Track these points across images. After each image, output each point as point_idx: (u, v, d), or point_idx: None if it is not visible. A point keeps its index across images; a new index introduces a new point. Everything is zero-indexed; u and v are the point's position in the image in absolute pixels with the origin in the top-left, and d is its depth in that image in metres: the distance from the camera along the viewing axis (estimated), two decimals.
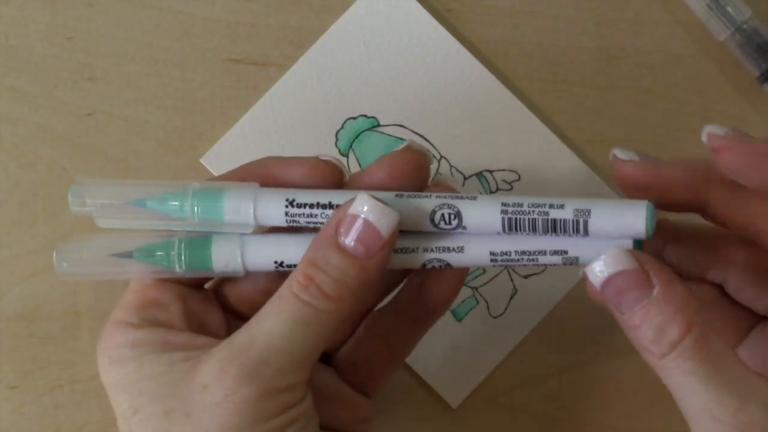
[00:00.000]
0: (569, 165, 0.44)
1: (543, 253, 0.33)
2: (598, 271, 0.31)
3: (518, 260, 0.33)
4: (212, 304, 0.35)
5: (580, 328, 0.44)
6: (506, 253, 0.33)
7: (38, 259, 0.44)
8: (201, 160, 0.44)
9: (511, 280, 0.44)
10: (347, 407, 0.37)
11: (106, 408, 0.43)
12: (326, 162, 0.34)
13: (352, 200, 0.31)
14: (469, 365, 0.44)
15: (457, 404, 0.44)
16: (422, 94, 0.44)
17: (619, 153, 0.33)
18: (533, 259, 0.33)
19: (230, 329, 0.35)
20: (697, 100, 0.45)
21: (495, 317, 0.44)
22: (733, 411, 0.29)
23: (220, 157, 0.44)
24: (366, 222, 0.31)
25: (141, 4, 0.44)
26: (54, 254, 0.33)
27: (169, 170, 0.44)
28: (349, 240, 0.31)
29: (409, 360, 0.43)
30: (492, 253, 0.33)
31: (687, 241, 0.34)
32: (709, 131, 0.32)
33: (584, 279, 0.34)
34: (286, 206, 0.32)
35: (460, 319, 0.44)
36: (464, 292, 0.44)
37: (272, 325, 0.31)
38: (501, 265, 0.33)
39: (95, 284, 0.44)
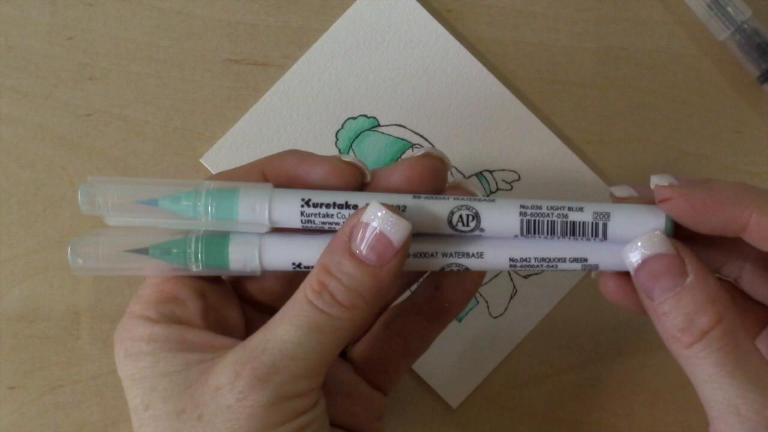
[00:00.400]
0: (569, 165, 0.44)
1: (563, 260, 0.32)
2: (633, 253, 0.31)
3: (537, 266, 0.33)
4: (230, 298, 0.35)
5: (580, 328, 0.44)
6: (526, 260, 0.32)
7: (38, 259, 0.44)
8: (201, 160, 0.44)
9: (511, 280, 0.44)
10: (363, 403, 0.37)
11: (106, 408, 0.43)
12: (348, 163, 0.33)
13: (365, 207, 0.31)
14: (469, 365, 0.44)
15: (457, 404, 0.44)
16: (422, 94, 0.44)
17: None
18: (553, 266, 0.32)
19: (248, 322, 0.35)
20: (697, 100, 0.45)
21: (495, 317, 0.44)
22: (758, 408, 0.29)
23: (220, 157, 0.44)
24: (378, 230, 0.31)
25: (141, 4, 0.44)
26: (68, 249, 0.33)
27: (169, 170, 0.44)
28: (362, 248, 0.31)
29: None
30: (512, 259, 0.33)
31: (701, 238, 0.34)
32: (655, 182, 0.32)
33: (596, 280, 0.34)
34: (302, 206, 0.32)
35: (460, 319, 0.44)
36: None
37: (286, 330, 0.30)
38: (519, 270, 0.33)
39: (95, 284, 0.44)
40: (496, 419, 0.44)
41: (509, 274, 0.44)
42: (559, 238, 0.32)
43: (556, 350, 0.44)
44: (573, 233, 0.32)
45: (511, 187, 0.44)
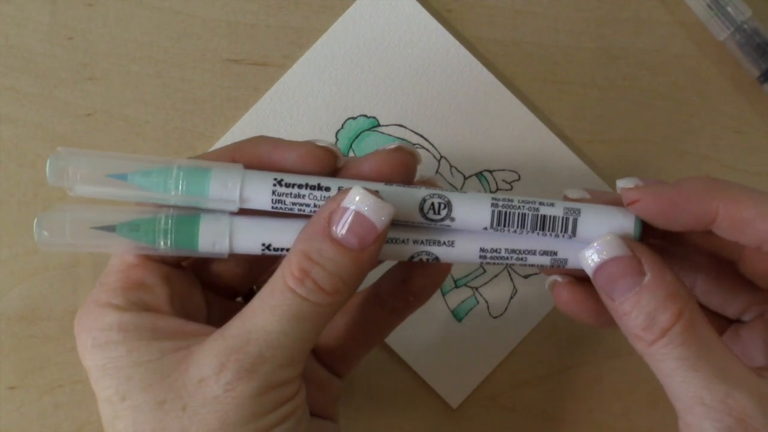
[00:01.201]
0: (569, 165, 0.44)
1: (533, 252, 0.33)
2: (590, 257, 0.31)
3: (507, 258, 0.33)
4: (193, 283, 0.35)
5: (580, 328, 0.44)
6: (496, 251, 0.33)
7: (38, 259, 0.44)
8: None
9: (511, 280, 0.44)
10: (321, 388, 0.37)
11: None
12: (322, 148, 0.33)
13: (344, 192, 0.31)
14: (469, 365, 0.44)
15: (457, 404, 0.44)
16: (422, 94, 0.44)
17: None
18: (522, 258, 0.33)
19: (210, 306, 0.35)
20: (697, 100, 0.45)
21: (495, 317, 0.44)
22: (721, 397, 0.29)
23: None
24: (360, 214, 0.31)
25: (141, 4, 0.44)
26: (34, 223, 0.32)
27: None
28: (343, 231, 0.31)
29: (409, 360, 0.44)
30: (482, 250, 0.33)
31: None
32: (621, 185, 0.32)
33: (550, 291, 0.34)
34: (274, 185, 0.32)
35: (460, 319, 0.44)
36: (464, 292, 0.44)
37: (268, 320, 0.30)
38: (489, 263, 0.33)
39: (95, 284, 0.44)
40: (496, 419, 0.44)
41: (509, 274, 0.44)
42: (528, 232, 0.32)
43: (556, 350, 0.44)
44: (543, 227, 0.32)
45: (511, 187, 0.44)
